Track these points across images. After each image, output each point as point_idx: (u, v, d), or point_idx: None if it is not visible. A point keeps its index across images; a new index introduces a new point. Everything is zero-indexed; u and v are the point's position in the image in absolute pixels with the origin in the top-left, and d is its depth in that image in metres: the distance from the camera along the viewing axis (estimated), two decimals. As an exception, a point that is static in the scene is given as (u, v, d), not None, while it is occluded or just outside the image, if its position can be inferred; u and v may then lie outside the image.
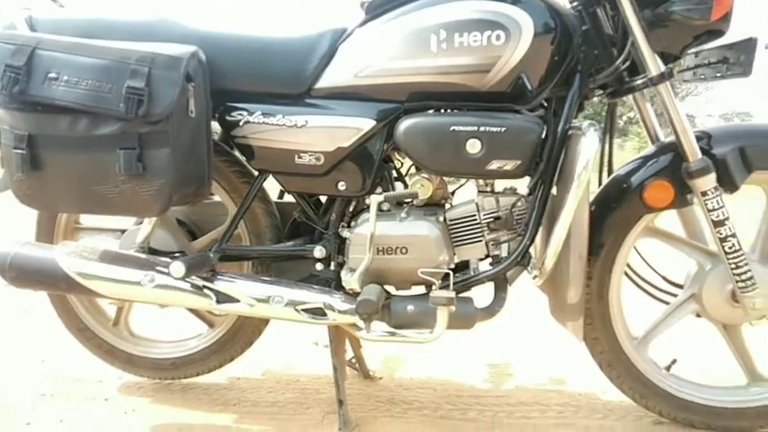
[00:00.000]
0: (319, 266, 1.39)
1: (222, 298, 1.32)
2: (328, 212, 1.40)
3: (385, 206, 1.34)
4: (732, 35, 1.19)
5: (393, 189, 1.39)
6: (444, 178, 1.36)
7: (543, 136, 1.22)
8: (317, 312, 1.29)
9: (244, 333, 1.56)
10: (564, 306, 1.27)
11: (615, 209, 1.30)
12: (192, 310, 1.59)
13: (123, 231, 1.51)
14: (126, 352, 1.63)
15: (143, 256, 1.38)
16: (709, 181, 1.19)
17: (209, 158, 1.30)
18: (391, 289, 1.37)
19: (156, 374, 1.64)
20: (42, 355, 1.86)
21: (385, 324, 1.30)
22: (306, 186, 1.38)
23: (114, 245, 1.46)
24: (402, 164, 1.44)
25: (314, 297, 1.30)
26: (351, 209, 1.40)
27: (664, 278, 1.44)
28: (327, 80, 1.29)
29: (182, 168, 1.21)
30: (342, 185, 1.33)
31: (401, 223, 1.31)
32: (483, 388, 1.64)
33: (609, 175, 1.39)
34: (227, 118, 1.33)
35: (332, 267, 1.38)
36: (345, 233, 1.35)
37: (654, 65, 1.18)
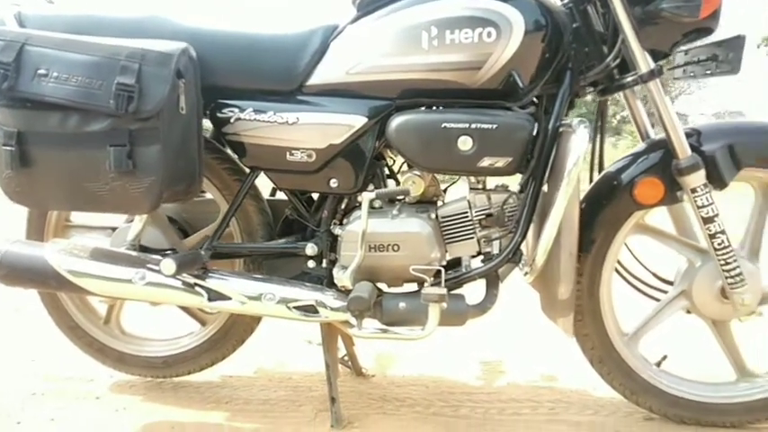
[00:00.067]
0: (311, 264, 1.39)
1: (214, 295, 1.32)
2: (320, 210, 1.40)
3: (377, 203, 1.35)
4: (732, 35, 1.20)
5: (385, 186, 1.39)
6: (437, 175, 1.36)
7: (534, 133, 1.22)
8: (309, 310, 1.29)
9: (236, 331, 1.55)
10: (554, 302, 1.27)
11: (606, 206, 1.31)
12: (183, 308, 1.59)
13: (114, 229, 1.51)
14: (117, 350, 1.62)
15: (134, 253, 1.38)
16: (698, 178, 1.20)
17: (200, 155, 1.30)
18: (383, 286, 1.37)
19: (148, 373, 1.64)
20: (33, 353, 1.85)
21: (377, 321, 1.30)
22: (298, 183, 1.38)
23: (105, 242, 1.46)
24: (394, 161, 1.44)
25: (306, 294, 1.30)
26: (343, 206, 1.40)
27: (654, 275, 1.45)
28: (319, 77, 1.29)
29: (172, 165, 1.21)
30: (334, 183, 1.33)
31: (393, 220, 1.31)
32: (475, 385, 1.65)
33: (600, 172, 1.40)
34: (219, 115, 1.32)
35: (324, 265, 1.38)
36: (337, 230, 1.35)
37: (644, 62, 1.19)
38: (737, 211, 1.50)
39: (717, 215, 1.21)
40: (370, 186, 1.37)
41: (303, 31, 1.31)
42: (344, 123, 1.27)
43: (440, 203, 1.37)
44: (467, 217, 1.31)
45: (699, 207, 1.21)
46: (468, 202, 1.32)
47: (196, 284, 1.32)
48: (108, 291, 1.35)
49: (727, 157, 1.22)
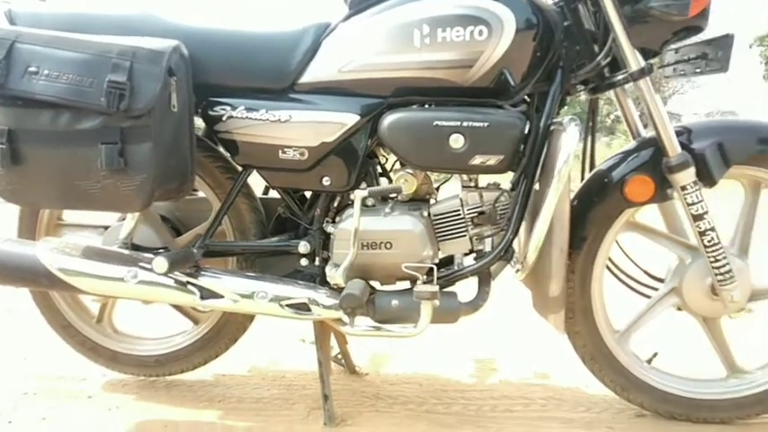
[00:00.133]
0: (304, 262, 1.39)
1: (206, 294, 1.31)
2: (313, 208, 1.40)
3: (369, 201, 1.35)
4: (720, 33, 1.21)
5: (377, 184, 1.39)
6: (429, 174, 1.36)
7: (526, 131, 1.23)
8: (302, 308, 1.29)
9: (228, 330, 1.55)
10: (546, 299, 1.28)
11: (597, 203, 1.32)
12: (176, 307, 1.58)
13: (106, 227, 1.50)
14: (110, 349, 1.61)
15: (126, 252, 1.38)
16: (688, 175, 1.21)
17: (192, 154, 1.30)
18: (376, 284, 1.37)
19: (141, 371, 1.63)
20: (25, 352, 1.84)
21: (369, 319, 1.30)
22: (290, 182, 1.38)
23: (97, 241, 1.46)
24: (387, 159, 1.44)
25: (298, 292, 1.30)
26: (335, 204, 1.40)
27: (645, 272, 1.46)
28: (311, 75, 1.30)
29: (164, 163, 1.21)
30: (326, 181, 1.34)
31: (385, 218, 1.31)
32: (467, 382, 1.65)
33: (591, 170, 1.40)
34: (211, 113, 1.32)
35: (316, 263, 1.39)
36: (330, 228, 1.36)
37: (634, 60, 1.20)
38: (727, 209, 1.51)
39: (706, 212, 1.22)
40: (363, 184, 1.37)
41: (295, 29, 1.31)
42: (337, 121, 1.28)
43: (432, 201, 1.38)
44: (459, 215, 1.32)
45: (689, 204, 1.22)
46: (461, 200, 1.32)
47: (188, 283, 1.31)
48: (100, 289, 1.34)
49: (716, 154, 1.23)
